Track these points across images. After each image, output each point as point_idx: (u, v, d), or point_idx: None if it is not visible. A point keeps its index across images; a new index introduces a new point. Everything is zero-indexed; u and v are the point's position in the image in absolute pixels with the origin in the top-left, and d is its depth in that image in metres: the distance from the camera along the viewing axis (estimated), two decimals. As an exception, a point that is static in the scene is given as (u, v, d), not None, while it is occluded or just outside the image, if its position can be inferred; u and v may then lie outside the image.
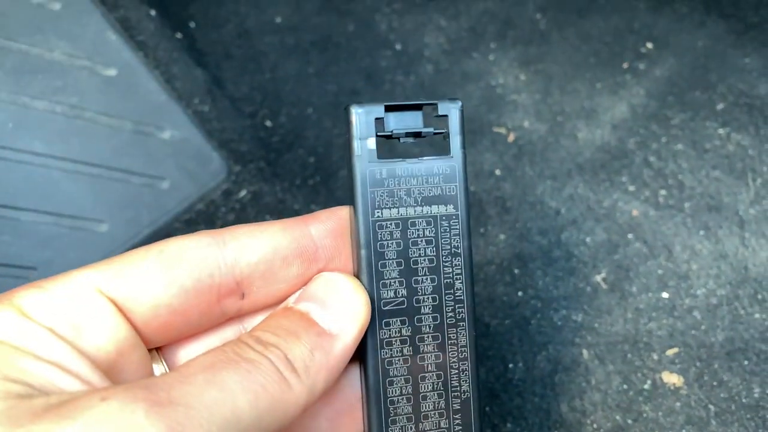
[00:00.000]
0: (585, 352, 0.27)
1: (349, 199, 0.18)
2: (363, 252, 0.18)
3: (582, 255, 0.30)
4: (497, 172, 0.34)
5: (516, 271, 0.30)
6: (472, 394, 0.19)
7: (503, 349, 0.28)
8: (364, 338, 0.18)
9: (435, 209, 0.18)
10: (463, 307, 0.18)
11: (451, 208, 0.18)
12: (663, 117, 0.35)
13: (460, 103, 0.19)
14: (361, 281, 0.18)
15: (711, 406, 0.25)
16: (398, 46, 0.40)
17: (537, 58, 0.39)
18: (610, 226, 0.31)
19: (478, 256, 0.31)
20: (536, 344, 0.28)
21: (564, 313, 0.28)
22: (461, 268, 0.18)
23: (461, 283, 0.18)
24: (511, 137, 0.35)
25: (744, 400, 0.25)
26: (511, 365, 0.27)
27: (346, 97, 0.38)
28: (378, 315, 0.18)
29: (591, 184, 0.33)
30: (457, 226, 0.18)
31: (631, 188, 0.32)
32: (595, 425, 0.25)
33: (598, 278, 0.29)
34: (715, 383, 0.26)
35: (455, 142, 0.19)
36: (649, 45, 0.39)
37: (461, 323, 0.18)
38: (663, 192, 0.32)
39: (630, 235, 0.30)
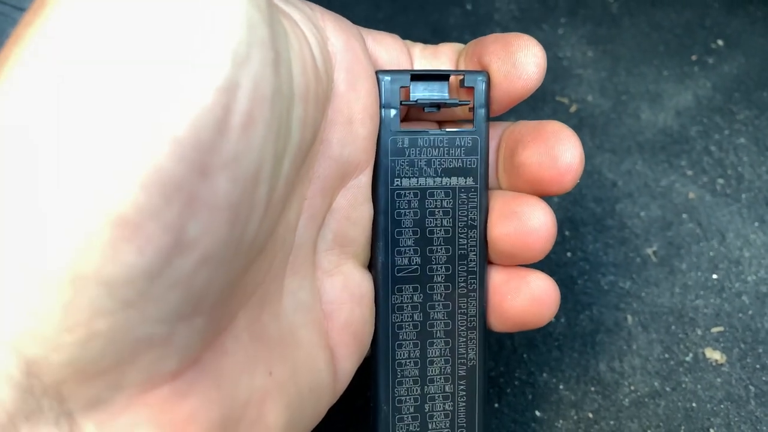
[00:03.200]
0: (629, 317, 0.27)
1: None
2: (380, 218, 0.18)
3: (635, 227, 0.30)
4: (556, 138, 0.33)
5: (567, 233, 0.30)
6: (479, 362, 0.19)
7: (547, 303, 0.27)
8: (377, 303, 0.18)
9: (454, 181, 0.18)
10: (475, 279, 0.19)
11: (470, 181, 0.18)
12: (728, 111, 0.35)
13: (486, 75, 0.18)
14: (377, 247, 0.18)
15: (752, 387, 0.25)
16: (469, 6, 0.40)
17: (606, 38, 0.39)
18: (665, 204, 0.31)
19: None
20: (580, 303, 0.27)
21: (611, 278, 0.28)
22: (476, 241, 0.18)
23: (475, 255, 0.18)
24: (574, 108, 0.35)
25: (786, 386, 0.25)
26: (553, 319, 0.27)
27: (411, 47, 0.38)
28: (391, 281, 0.18)
29: (650, 162, 0.32)
30: (475, 199, 0.18)
31: (689, 173, 0.32)
32: (632, 387, 0.25)
33: (649, 251, 0.29)
34: (758, 366, 0.25)
35: (479, 114, 0.18)
36: (720, 42, 0.38)
37: (472, 294, 0.19)
38: (721, 181, 0.32)
39: (684, 215, 0.30)
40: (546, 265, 0.29)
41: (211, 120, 0.10)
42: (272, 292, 0.15)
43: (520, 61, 0.17)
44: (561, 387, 0.25)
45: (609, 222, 0.30)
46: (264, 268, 0.14)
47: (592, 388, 0.25)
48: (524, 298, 0.18)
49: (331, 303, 0.17)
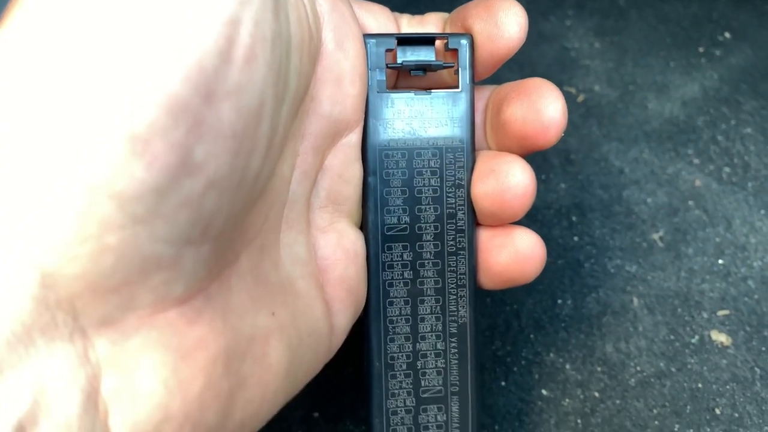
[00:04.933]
0: (635, 300, 0.27)
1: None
2: (370, 179, 0.18)
3: (641, 213, 0.30)
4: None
5: (574, 218, 0.30)
6: (470, 320, 0.19)
7: (553, 285, 0.28)
8: (368, 261, 0.18)
9: (441, 141, 0.19)
10: (464, 237, 0.19)
11: (456, 141, 0.19)
12: (734, 102, 0.35)
13: (470, 38, 0.19)
14: (367, 206, 0.18)
15: (757, 369, 0.25)
16: (478, -2, 0.40)
17: (613, 30, 0.39)
18: (671, 191, 0.31)
19: (538, 200, 0.31)
20: (587, 286, 0.28)
21: (618, 262, 0.28)
22: (463, 200, 0.19)
23: (463, 213, 0.19)
24: (581, 98, 0.35)
25: (791, 367, 0.25)
26: (560, 301, 0.27)
27: (421, 38, 0.38)
28: (381, 239, 0.18)
29: (657, 151, 0.33)
30: (462, 159, 0.19)
31: (696, 161, 0.32)
32: (638, 368, 0.25)
33: (655, 236, 0.29)
34: (763, 348, 0.26)
35: (464, 75, 0.19)
36: (727, 34, 0.39)
37: (461, 252, 0.19)
38: (727, 169, 0.32)
39: (691, 202, 0.30)
40: (553, 248, 0.29)
41: (215, 49, 0.11)
42: (270, 243, 0.16)
43: (501, 21, 0.18)
44: (567, 367, 0.25)
45: (616, 208, 0.30)
46: (263, 214, 0.15)
47: (599, 368, 0.25)
48: (509, 253, 0.19)
49: (326, 259, 0.17)
